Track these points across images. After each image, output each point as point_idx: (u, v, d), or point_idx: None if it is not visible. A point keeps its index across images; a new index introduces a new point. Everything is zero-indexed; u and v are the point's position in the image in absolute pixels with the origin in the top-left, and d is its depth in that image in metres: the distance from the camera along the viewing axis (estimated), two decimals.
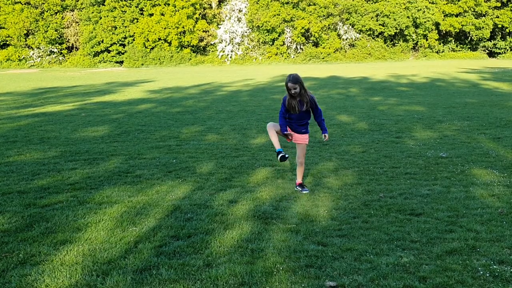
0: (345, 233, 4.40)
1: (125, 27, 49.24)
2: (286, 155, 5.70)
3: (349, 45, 47.85)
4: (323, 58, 46.46)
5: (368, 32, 47.40)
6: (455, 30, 46.99)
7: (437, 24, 47.03)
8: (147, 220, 4.80)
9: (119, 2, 49.06)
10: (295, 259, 3.89)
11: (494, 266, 3.69)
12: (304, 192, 5.73)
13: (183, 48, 48.68)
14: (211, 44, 50.01)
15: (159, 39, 47.82)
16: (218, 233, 4.43)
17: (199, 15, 49.11)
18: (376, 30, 46.87)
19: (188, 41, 48.01)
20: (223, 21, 49.45)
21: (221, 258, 3.92)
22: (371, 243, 4.18)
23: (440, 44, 48.45)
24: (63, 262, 3.86)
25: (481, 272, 3.60)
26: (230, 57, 48.49)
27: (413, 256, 3.90)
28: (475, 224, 4.57)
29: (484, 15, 46.60)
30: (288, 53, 48.14)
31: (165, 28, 47.19)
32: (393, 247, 4.09)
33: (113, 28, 49.33)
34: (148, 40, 47.84)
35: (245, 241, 4.26)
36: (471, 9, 46.00)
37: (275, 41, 47.94)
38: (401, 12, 46.04)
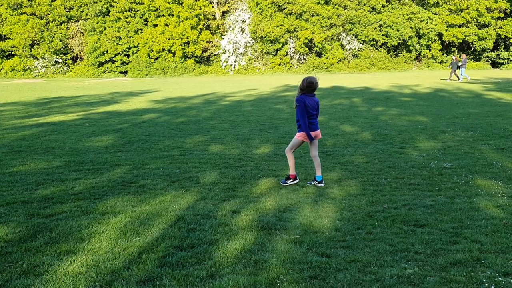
0: (349, 244, 4.39)
1: (130, 37, 49.55)
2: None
3: (352, 55, 47.96)
4: (326, 68, 46.56)
5: (371, 43, 47.51)
6: (458, 41, 47.04)
7: (440, 35, 47.10)
8: (151, 230, 4.80)
9: (123, 13, 49.44)
10: (298, 270, 3.87)
11: (499, 278, 3.67)
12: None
13: (187, 59, 48.91)
14: (214, 55, 50.24)
15: (163, 49, 48.07)
16: (221, 244, 4.43)
17: (203, 26, 49.41)
18: (379, 40, 46.99)
19: (192, 52, 48.25)
20: (227, 31, 49.70)
21: (225, 269, 3.92)
22: (375, 254, 4.16)
23: (443, 54, 48.50)
24: (66, 273, 3.86)
25: (486, 284, 3.58)
26: (234, 67, 48.67)
27: (418, 268, 3.88)
28: (479, 235, 4.55)
29: (487, 26, 46.65)
30: (292, 63, 48.29)
31: (169, 39, 47.46)
32: (397, 258, 4.07)
33: (118, 39, 49.65)
34: (152, 51, 48.09)
35: (248, 252, 4.26)
36: (474, 19, 46.07)
37: (279, 51, 48.10)
38: (404, 22, 46.17)
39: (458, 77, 29.13)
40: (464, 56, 30.09)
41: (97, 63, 50.41)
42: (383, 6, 47.35)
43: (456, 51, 48.18)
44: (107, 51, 49.69)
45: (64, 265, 4.01)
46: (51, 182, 6.77)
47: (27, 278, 3.77)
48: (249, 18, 48.83)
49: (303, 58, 48.28)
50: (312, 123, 6.55)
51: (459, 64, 29.27)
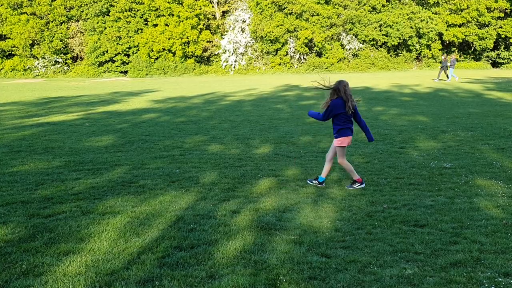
0: (349, 245, 4.38)
1: (130, 37, 49.49)
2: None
3: (352, 55, 47.90)
4: (326, 68, 46.50)
5: (372, 42, 47.45)
6: (458, 41, 46.98)
7: (440, 35, 47.04)
8: (150, 230, 4.80)
9: (123, 13, 49.39)
10: (298, 271, 3.87)
11: (499, 279, 3.66)
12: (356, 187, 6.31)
13: (187, 58, 48.86)
14: (215, 54, 50.18)
15: (164, 49, 48.02)
16: (221, 244, 4.42)
17: (203, 25, 49.34)
18: (380, 40, 46.92)
19: (192, 52, 48.21)
20: (227, 31, 49.65)
21: (224, 269, 3.91)
22: (375, 254, 4.16)
23: (443, 54, 48.44)
24: (66, 273, 3.86)
25: (486, 285, 3.58)
26: (234, 67, 48.62)
27: (417, 268, 3.88)
28: (479, 235, 4.54)
29: (487, 26, 46.59)
30: (292, 63, 48.24)
31: (169, 39, 47.41)
32: (397, 258, 4.07)
33: (118, 38, 49.59)
34: (153, 50, 48.04)
35: (248, 252, 4.25)
36: (474, 19, 46.00)
37: (279, 51, 48.03)
38: (404, 22, 46.11)
39: (447, 76, 29.25)
40: (453, 56, 30.14)
41: (97, 63, 50.37)
42: (383, 5, 47.31)
43: (456, 50, 48.18)
44: (107, 51, 49.65)
45: (63, 265, 4.00)
46: (50, 182, 6.76)
47: (27, 279, 3.77)
48: (249, 18, 48.79)
49: (303, 58, 48.24)
50: (350, 128, 6.35)
51: (448, 64, 29.37)
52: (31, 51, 51.63)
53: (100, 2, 49.85)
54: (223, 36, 49.60)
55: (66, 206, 5.63)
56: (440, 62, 29.74)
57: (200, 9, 48.45)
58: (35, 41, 51.48)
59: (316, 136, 10.46)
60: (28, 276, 3.82)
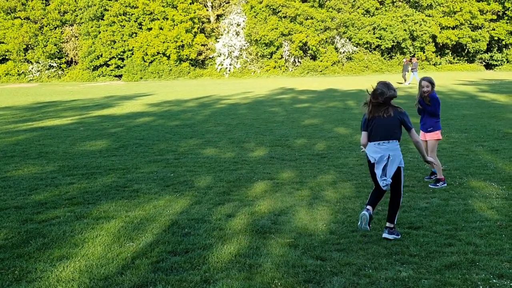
0: (344, 247, 4.38)
1: (124, 41, 49.42)
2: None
3: (346, 58, 48.03)
4: (320, 71, 46.62)
5: (365, 45, 47.61)
6: (452, 43, 47.24)
7: (434, 37, 47.29)
8: (144, 235, 4.77)
9: (118, 17, 49.32)
10: (293, 274, 3.86)
11: (494, 280, 3.67)
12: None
13: (181, 62, 48.83)
14: (209, 58, 50.19)
15: (158, 53, 47.98)
16: (215, 248, 4.40)
17: (197, 29, 49.36)
18: (373, 43, 47.10)
19: (186, 55, 48.19)
20: (222, 35, 49.69)
21: (219, 273, 3.89)
22: (370, 257, 4.15)
23: (437, 56, 48.68)
24: (59, 279, 3.83)
25: (481, 287, 3.58)
26: (229, 70, 48.64)
27: (412, 271, 3.87)
28: (474, 237, 4.55)
29: (480, 28, 46.89)
30: (286, 66, 48.32)
31: (163, 42, 47.38)
32: (392, 261, 4.07)
33: (112, 42, 49.50)
34: (147, 54, 47.98)
35: (243, 256, 4.24)
36: (468, 21, 46.29)
37: (273, 54, 48.11)
38: (398, 25, 46.32)
39: (405, 79, 29.43)
40: (414, 59, 30.32)
41: (92, 67, 50.22)
42: (376, 8, 47.52)
43: (450, 52, 48.41)
44: (101, 55, 49.52)
45: (57, 271, 3.97)
46: (44, 187, 6.72)
47: (20, 285, 3.73)
48: (243, 21, 48.85)
49: (298, 61, 48.34)
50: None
51: (409, 68, 29.53)
52: (25, 55, 51.43)
53: (94, 6, 49.77)
54: (217, 40, 49.63)
55: (59, 211, 5.59)
56: (407, 66, 29.88)
57: (194, 12, 48.47)
58: (29, 46, 51.28)
59: (311, 139, 10.46)
60: (21, 282, 3.79)
